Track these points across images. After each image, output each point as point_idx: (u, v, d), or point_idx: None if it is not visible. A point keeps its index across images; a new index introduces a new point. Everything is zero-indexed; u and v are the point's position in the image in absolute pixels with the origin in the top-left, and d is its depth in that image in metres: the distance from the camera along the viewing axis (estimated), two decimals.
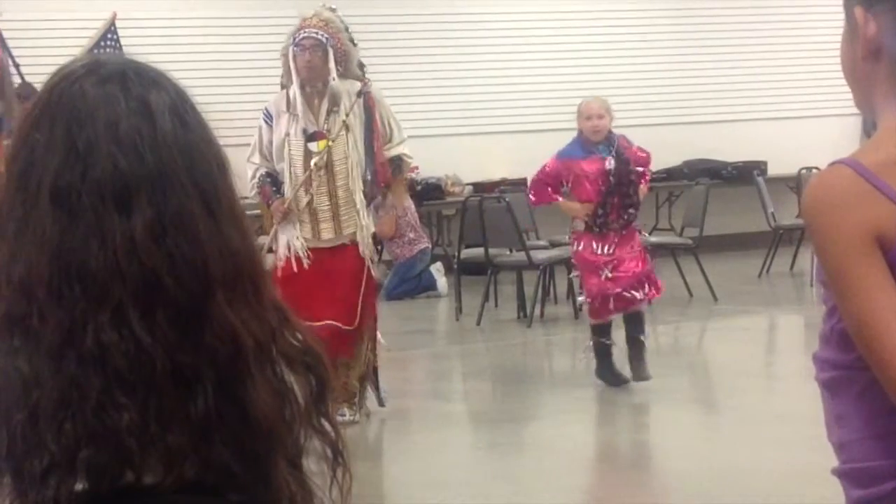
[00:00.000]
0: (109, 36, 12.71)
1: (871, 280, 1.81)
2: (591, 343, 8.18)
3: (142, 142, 1.49)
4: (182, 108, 1.54)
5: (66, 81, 1.53)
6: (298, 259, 7.19)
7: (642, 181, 8.16)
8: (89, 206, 1.47)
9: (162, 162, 1.49)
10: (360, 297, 7.29)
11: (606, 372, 8.15)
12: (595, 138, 7.95)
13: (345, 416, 7.28)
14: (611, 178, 7.89)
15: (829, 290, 1.89)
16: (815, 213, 1.86)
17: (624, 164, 7.94)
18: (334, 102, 7.19)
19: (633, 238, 8.08)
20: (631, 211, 7.99)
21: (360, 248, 7.25)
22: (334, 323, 7.08)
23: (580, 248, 8.06)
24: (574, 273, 8.46)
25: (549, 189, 8.07)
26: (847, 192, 1.83)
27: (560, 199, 8.08)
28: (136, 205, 1.47)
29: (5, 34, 12.27)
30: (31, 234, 1.48)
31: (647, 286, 7.99)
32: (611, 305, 7.95)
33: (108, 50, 11.58)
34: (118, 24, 12.83)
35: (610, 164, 7.91)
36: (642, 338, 8.02)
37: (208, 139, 1.56)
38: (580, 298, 8.36)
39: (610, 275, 7.89)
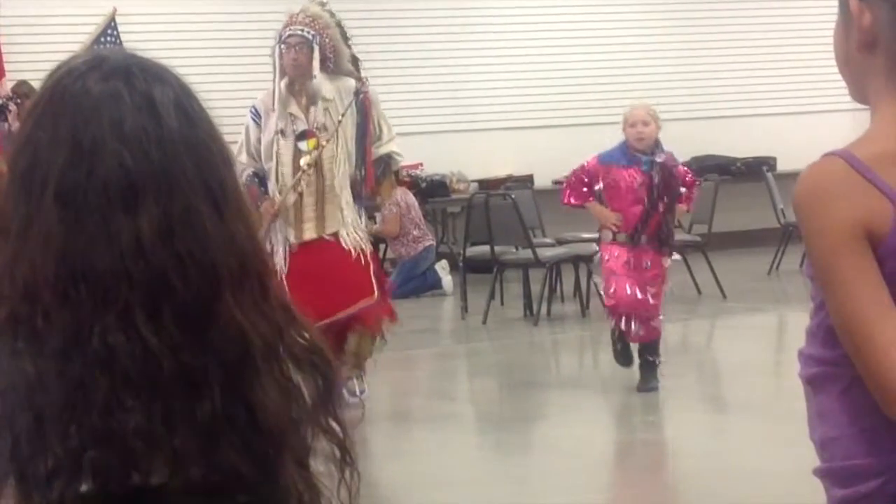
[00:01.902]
0: (109, 32, 12.74)
1: (858, 276, 1.77)
2: (613, 331, 8.05)
3: (148, 140, 1.47)
4: (187, 104, 1.52)
5: (69, 78, 1.51)
6: (294, 262, 7.11)
7: (683, 202, 7.94)
8: (95, 205, 1.45)
9: (168, 160, 1.47)
10: (371, 271, 7.25)
11: (620, 356, 8.06)
12: (639, 146, 7.68)
13: (355, 392, 7.23)
14: (654, 191, 7.62)
15: (817, 285, 1.86)
16: (804, 204, 1.85)
17: (671, 178, 7.67)
18: (312, 101, 7.13)
19: (660, 265, 7.83)
20: (667, 228, 7.75)
21: (343, 243, 7.14)
22: (357, 306, 7.05)
23: (608, 259, 7.84)
24: (599, 278, 8.28)
25: (585, 190, 7.83)
26: (838, 185, 1.81)
27: (592, 201, 7.85)
28: (142, 204, 1.45)
29: (4, 30, 12.27)
30: (35, 235, 1.46)
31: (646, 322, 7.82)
32: (623, 323, 7.82)
33: (107, 46, 11.54)
34: (118, 19, 12.82)
35: (656, 178, 7.63)
36: (656, 360, 7.87)
37: (213, 135, 1.54)
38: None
39: (639, 294, 7.69)
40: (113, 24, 12.81)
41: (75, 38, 11.97)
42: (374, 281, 7.24)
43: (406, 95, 12.76)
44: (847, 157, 1.82)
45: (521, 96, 14.46)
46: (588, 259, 11.31)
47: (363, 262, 7.22)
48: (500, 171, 14.32)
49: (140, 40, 11.86)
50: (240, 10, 13.33)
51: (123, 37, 12.62)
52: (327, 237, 7.20)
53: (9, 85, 11.61)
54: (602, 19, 14.85)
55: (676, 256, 8.28)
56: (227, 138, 1.57)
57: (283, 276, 7.08)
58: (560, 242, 12.02)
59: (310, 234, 7.19)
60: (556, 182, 14.53)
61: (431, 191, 13.94)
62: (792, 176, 11.12)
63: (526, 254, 11.22)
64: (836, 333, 1.82)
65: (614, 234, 7.78)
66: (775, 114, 15.37)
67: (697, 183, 8.13)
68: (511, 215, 11.12)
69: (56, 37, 11.94)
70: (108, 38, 12.59)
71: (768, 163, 14.64)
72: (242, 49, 12.96)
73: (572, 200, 7.96)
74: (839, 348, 1.82)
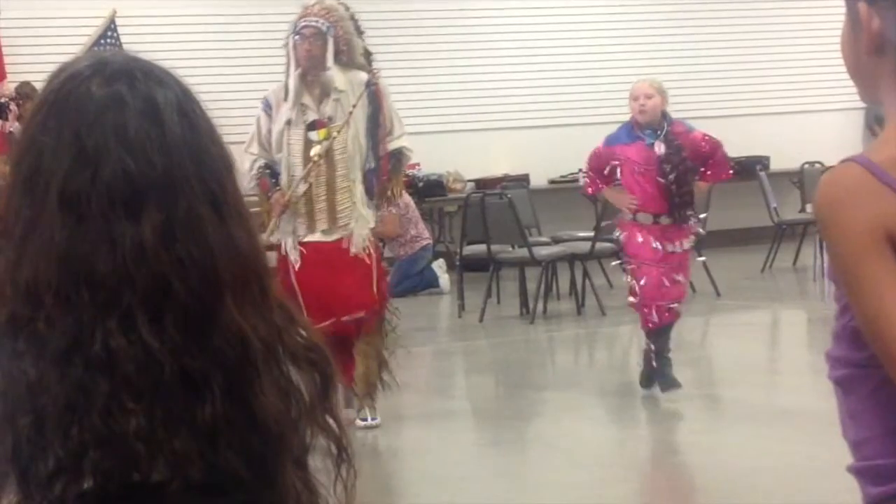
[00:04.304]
0: (109, 34, 12.71)
1: (881, 277, 1.79)
2: (649, 349, 7.73)
3: (151, 145, 1.48)
4: (189, 108, 1.53)
5: (73, 82, 1.51)
6: (303, 258, 7.12)
7: (702, 177, 7.61)
8: (98, 210, 1.45)
9: (171, 165, 1.48)
10: (374, 282, 7.23)
11: (663, 378, 7.70)
12: (642, 119, 7.44)
13: (366, 419, 7.22)
14: (664, 166, 7.38)
15: (841, 288, 1.88)
16: (825, 211, 1.85)
17: (675, 150, 7.41)
18: (325, 92, 7.12)
19: (685, 236, 7.58)
20: (686, 202, 7.47)
21: (354, 240, 7.14)
22: (354, 316, 7.06)
23: (628, 237, 7.55)
24: (624, 263, 7.83)
25: (599, 179, 7.62)
26: (857, 190, 1.82)
27: (604, 188, 7.65)
28: (145, 209, 1.46)
29: (5, 32, 12.29)
30: (38, 239, 1.46)
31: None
32: (657, 316, 7.55)
33: (107, 48, 11.54)
34: (118, 21, 12.82)
35: (660, 149, 7.39)
36: (668, 354, 7.72)
37: (215, 139, 1.55)
38: (630, 299, 7.70)
39: (667, 283, 7.47)
40: (112, 25, 12.79)
41: (75, 40, 11.97)
42: (375, 293, 7.21)
43: (402, 95, 12.71)
44: (863, 163, 1.83)
45: (518, 96, 14.47)
46: (584, 257, 11.36)
47: (368, 270, 7.18)
48: (496, 171, 14.33)
49: (139, 41, 11.86)
50: (239, 11, 13.33)
51: (123, 38, 12.59)
52: (337, 239, 7.14)
53: (11, 86, 11.63)
54: (598, 19, 14.85)
55: (699, 231, 7.78)
56: (227, 139, 1.58)
57: (294, 270, 7.07)
58: (556, 241, 12.03)
59: (322, 225, 7.14)
60: (552, 181, 14.61)
61: (428, 190, 13.95)
62: (785, 175, 11.10)
63: (522, 252, 11.24)
64: (862, 335, 1.83)
65: (634, 215, 7.53)
66: (769, 113, 15.39)
67: (719, 147, 7.67)
68: (507, 214, 11.16)
69: (56, 38, 11.95)
70: (108, 40, 12.57)
71: (762, 162, 14.65)
72: (242, 50, 12.99)
73: (589, 191, 7.87)
74: (866, 350, 1.83)
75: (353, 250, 7.12)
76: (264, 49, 12.27)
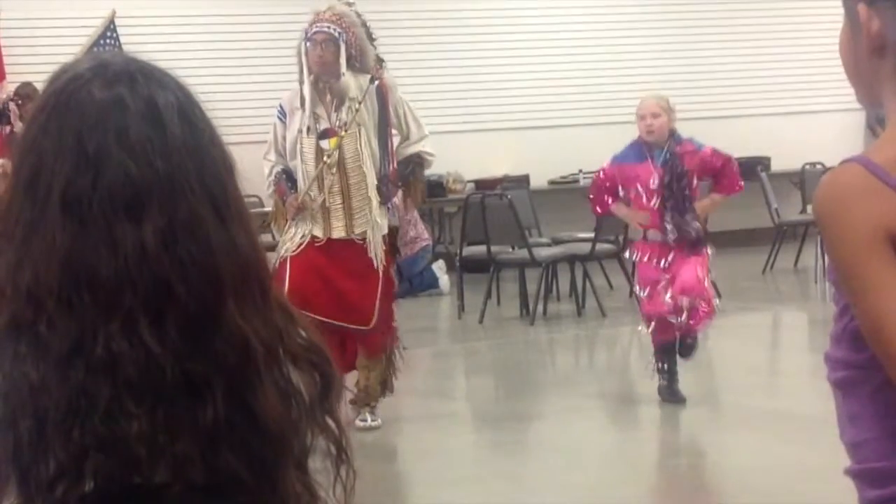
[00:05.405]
0: (109, 34, 12.72)
1: (882, 278, 1.79)
2: (656, 364, 7.75)
3: (152, 149, 1.48)
4: (189, 110, 1.53)
5: (74, 84, 1.51)
6: (310, 254, 7.09)
7: (715, 189, 7.60)
8: (100, 213, 1.46)
9: (172, 168, 1.48)
10: (378, 298, 7.20)
11: (666, 391, 7.73)
12: (649, 139, 7.39)
13: (366, 421, 7.26)
14: (663, 190, 7.35)
15: (840, 290, 1.87)
16: (826, 211, 1.85)
17: (677, 175, 7.35)
18: (340, 99, 7.09)
19: (694, 253, 7.47)
20: (692, 225, 7.40)
21: (370, 248, 7.13)
22: (350, 326, 7.04)
23: (638, 259, 7.58)
24: (636, 287, 7.91)
25: (608, 197, 7.57)
26: (858, 190, 1.82)
27: (615, 204, 7.58)
28: (147, 212, 1.46)
29: (4, 32, 12.29)
30: (39, 242, 1.47)
31: (699, 305, 7.47)
32: (668, 327, 7.51)
33: (107, 48, 11.55)
34: (117, 21, 12.83)
35: (664, 174, 7.35)
36: (676, 369, 7.72)
37: (215, 140, 1.55)
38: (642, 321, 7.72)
39: (668, 299, 7.39)
40: (112, 25, 12.80)
41: (75, 40, 11.99)
42: (376, 309, 7.18)
43: (403, 96, 12.77)
44: (864, 163, 1.83)
45: (518, 97, 14.47)
46: (584, 258, 11.36)
47: (376, 282, 7.15)
48: (496, 172, 14.33)
49: (139, 42, 11.87)
50: (238, 12, 13.33)
51: (123, 38, 12.61)
52: (356, 240, 7.11)
53: (11, 87, 11.62)
54: (598, 20, 14.86)
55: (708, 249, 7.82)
56: (227, 141, 1.58)
57: (288, 260, 7.03)
58: (556, 242, 12.04)
59: (339, 233, 7.09)
60: (552, 182, 14.61)
61: (428, 191, 13.84)
62: (786, 175, 11.05)
63: (522, 253, 11.25)
64: (862, 336, 1.83)
65: (644, 232, 7.53)
66: (769, 114, 15.39)
67: (730, 161, 7.62)
68: (507, 215, 11.16)
69: (56, 38, 11.96)
70: (107, 41, 12.59)
71: (762, 163, 14.65)
72: (242, 51, 12.99)
73: (598, 210, 7.79)
74: (867, 351, 1.83)
75: (369, 255, 7.10)
76: (265, 49, 12.32)
